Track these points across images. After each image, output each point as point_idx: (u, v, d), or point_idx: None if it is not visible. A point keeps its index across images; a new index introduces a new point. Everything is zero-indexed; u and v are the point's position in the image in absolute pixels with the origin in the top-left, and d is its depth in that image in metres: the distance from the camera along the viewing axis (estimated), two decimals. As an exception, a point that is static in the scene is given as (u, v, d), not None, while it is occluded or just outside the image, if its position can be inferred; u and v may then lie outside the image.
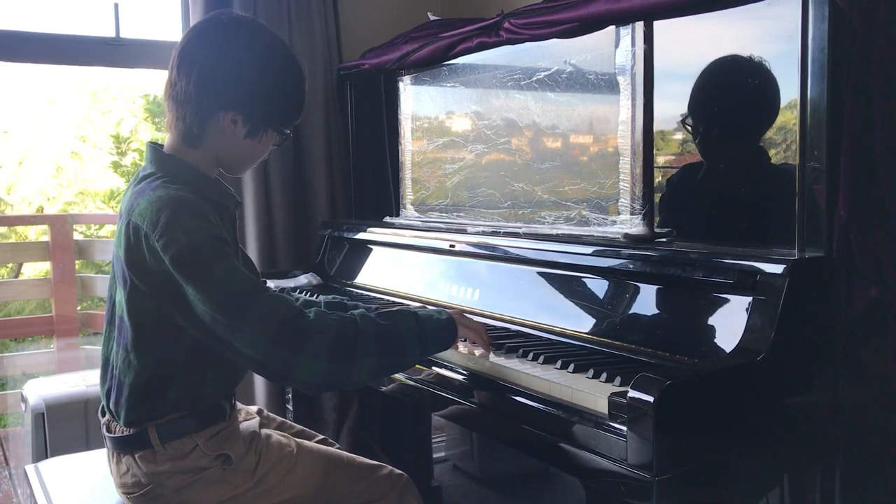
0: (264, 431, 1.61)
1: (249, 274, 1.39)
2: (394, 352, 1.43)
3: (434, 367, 1.66)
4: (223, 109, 1.47)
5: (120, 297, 1.45)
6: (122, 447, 1.49)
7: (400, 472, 1.67)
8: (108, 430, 1.52)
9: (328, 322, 1.38)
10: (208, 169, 1.52)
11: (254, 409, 1.75)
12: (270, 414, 1.81)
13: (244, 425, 1.60)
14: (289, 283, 2.43)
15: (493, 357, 1.57)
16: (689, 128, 1.71)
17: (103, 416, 1.55)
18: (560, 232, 1.83)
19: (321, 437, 1.78)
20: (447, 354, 1.65)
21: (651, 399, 1.14)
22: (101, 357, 1.53)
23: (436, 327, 1.49)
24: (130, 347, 1.43)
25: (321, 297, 1.85)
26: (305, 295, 2.31)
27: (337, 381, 1.39)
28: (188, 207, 1.38)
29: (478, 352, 1.60)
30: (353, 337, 1.37)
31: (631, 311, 1.55)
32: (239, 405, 1.69)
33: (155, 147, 1.52)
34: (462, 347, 1.63)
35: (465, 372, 1.59)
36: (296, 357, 1.33)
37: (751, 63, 1.58)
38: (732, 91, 1.64)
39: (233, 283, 1.34)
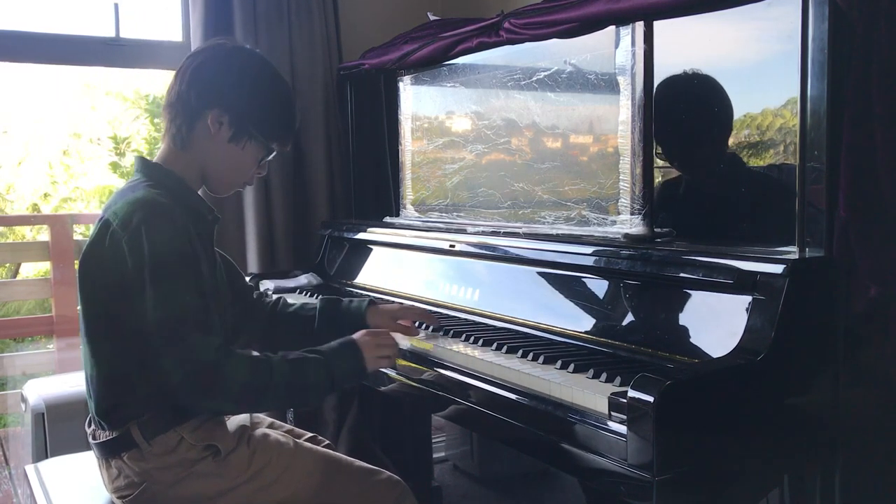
0: (259, 430, 1.62)
1: (192, 301, 1.42)
2: (300, 396, 1.54)
3: (434, 367, 1.66)
4: (210, 107, 1.53)
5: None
6: (109, 451, 1.50)
7: (398, 478, 1.67)
8: (94, 438, 1.53)
9: (241, 370, 1.44)
10: (193, 181, 1.59)
11: None
12: (260, 414, 1.81)
13: (232, 420, 1.61)
14: (289, 283, 2.43)
15: (493, 357, 1.57)
16: (664, 158, 1.72)
17: (89, 426, 1.56)
18: (560, 232, 1.83)
19: (310, 434, 1.78)
20: (447, 355, 1.65)
21: (651, 399, 1.14)
22: None
23: (345, 368, 1.55)
24: (86, 336, 1.49)
25: (318, 298, 1.88)
26: (305, 295, 2.32)
27: (241, 413, 1.58)
28: (161, 213, 1.44)
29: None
30: (263, 387, 1.46)
31: (631, 311, 1.55)
32: None
33: (142, 159, 1.59)
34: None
35: (465, 372, 1.59)
36: (202, 398, 1.43)
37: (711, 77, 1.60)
38: (702, 99, 1.65)
39: (172, 307, 1.40)
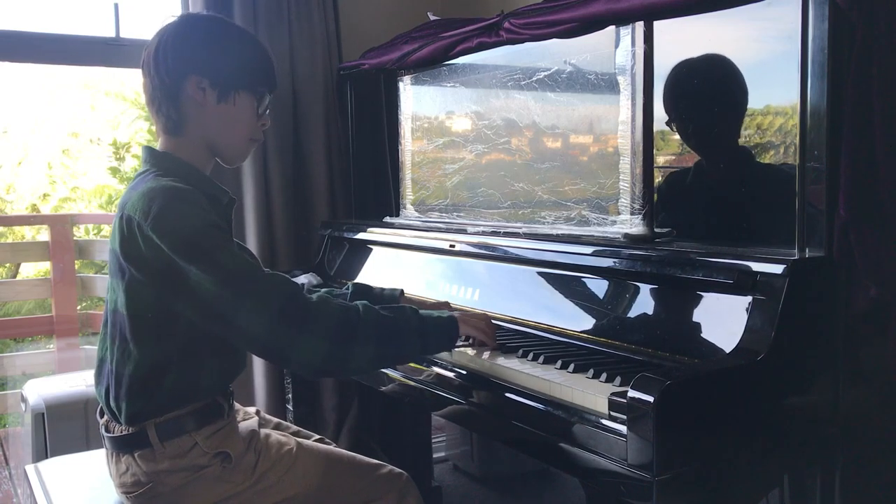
0: (263, 431, 1.61)
1: (248, 258, 1.41)
2: (393, 343, 1.44)
3: (434, 367, 1.66)
4: (186, 78, 1.48)
5: (115, 289, 1.45)
6: (122, 447, 1.49)
7: (400, 471, 1.67)
8: (107, 430, 1.52)
9: (331, 303, 1.40)
10: (202, 163, 1.54)
11: (252, 409, 1.75)
12: (267, 415, 1.81)
13: (243, 424, 1.60)
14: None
15: (493, 357, 1.57)
16: (674, 127, 1.72)
17: (101, 416, 1.55)
18: (560, 232, 1.83)
19: (318, 436, 1.78)
20: (447, 354, 1.65)
21: (651, 399, 1.14)
22: (97, 358, 1.53)
23: (437, 324, 1.51)
24: (129, 337, 1.43)
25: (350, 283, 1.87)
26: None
27: (336, 364, 1.39)
28: (180, 196, 1.40)
29: (486, 354, 1.59)
30: (355, 321, 1.39)
31: (631, 311, 1.55)
32: (237, 406, 1.69)
33: (149, 148, 1.55)
34: (470, 351, 1.62)
35: (464, 372, 1.59)
36: (298, 334, 1.34)
37: (728, 62, 1.60)
38: (715, 90, 1.65)
39: (233, 264, 1.36)
